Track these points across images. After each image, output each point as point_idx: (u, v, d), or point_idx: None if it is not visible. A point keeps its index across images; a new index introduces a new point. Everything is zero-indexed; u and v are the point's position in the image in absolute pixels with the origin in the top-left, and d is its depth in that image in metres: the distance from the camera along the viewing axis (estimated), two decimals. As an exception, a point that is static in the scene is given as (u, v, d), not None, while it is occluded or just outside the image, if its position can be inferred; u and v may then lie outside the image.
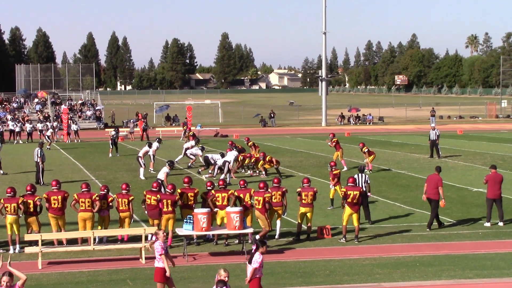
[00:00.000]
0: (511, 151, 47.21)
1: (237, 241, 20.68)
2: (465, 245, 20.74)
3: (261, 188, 20.92)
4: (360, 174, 23.94)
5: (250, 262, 13.71)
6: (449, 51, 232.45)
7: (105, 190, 21.22)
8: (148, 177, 34.38)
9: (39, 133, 60.97)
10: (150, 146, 36.92)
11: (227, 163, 33.43)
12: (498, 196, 23.58)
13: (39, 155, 33.57)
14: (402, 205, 27.22)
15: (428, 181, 23.22)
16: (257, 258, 13.62)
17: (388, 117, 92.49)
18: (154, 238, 15.31)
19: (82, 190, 20.75)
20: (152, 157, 37.03)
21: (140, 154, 35.92)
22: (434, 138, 42.86)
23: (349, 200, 21.11)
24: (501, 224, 23.41)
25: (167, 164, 28.64)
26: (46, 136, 55.17)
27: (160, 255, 14.43)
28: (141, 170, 35.27)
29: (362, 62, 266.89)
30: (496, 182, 23.64)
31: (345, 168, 36.79)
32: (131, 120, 70.46)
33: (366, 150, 36.73)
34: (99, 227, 20.84)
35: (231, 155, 34.45)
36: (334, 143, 37.73)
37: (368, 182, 23.97)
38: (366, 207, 23.99)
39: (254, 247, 13.89)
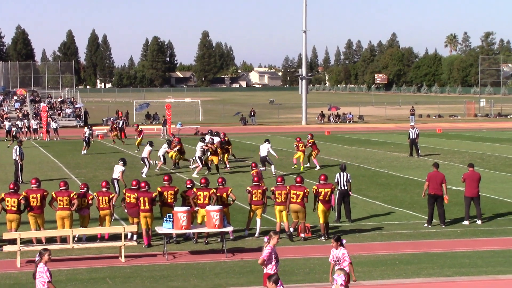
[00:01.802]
0: (489, 150, 47.53)
1: (219, 240, 20.64)
2: (443, 243, 20.86)
3: (298, 182, 21.18)
4: (341, 173, 24.02)
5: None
6: (428, 50, 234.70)
7: (84, 189, 21.15)
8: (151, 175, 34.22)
9: (16, 131, 60.52)
10: (152, 145, 36.68)
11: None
12: (476, 194, 23.73)
13: (18, 153, 33.39)
14: (382, 204, 27.33)
15: (430, 178, 23.30)
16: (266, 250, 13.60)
17: (368, 116, 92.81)
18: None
19: (60, 188, 20.64)
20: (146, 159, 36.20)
21: (145, 154, 35.78)
22: (413, 137, 43.05)
23: (320, 197, 21.17)
24: (479, 222, 23.56)
25: (120, 162, 27.91)
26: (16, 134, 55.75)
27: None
28: (145, 169, 35.34)
29: (342, 61, 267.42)
30: (474, 180, 23.80)
31: (318, 167, 36.97)
32: (111, 118, 70.16)
33: (310, 144, 37.04)
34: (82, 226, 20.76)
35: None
36: (310, 144, 37.66)
37: (350, 181, 24.05)
38: (347, 205, 24.08)
39: (266, 239, 13.84)
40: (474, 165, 25.13)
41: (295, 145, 38.41)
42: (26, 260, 18.59)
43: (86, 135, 47.47)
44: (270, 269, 13.62)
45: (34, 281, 12.55)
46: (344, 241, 14.30)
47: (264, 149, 35.68)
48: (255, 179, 21.83)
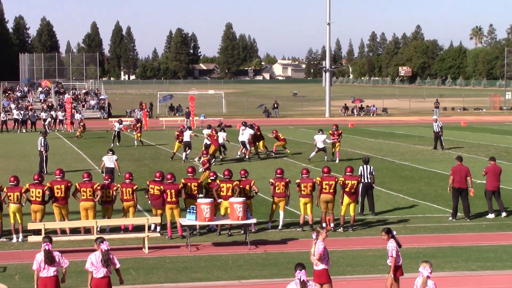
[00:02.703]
0: (515, 143, 47.11)
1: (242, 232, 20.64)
2: (468, 237, 20.73)
3: (327, 172, 21.31)
4: (364, 166, 23.92)
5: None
6: (453, 42, 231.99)
7: (109, 180, 21.23)
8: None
9: (42, 122, 61.07)
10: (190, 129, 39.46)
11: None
12: (497, 188, 23.52)
13: (42, 144, 33.54)
14: (406, 197, 27.20)
15: (455, 172, 23.17)
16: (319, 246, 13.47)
17: (392, 109, 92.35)
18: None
19: (84, 179, 20.74)
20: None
21: (245, 138, 37.97)
22: (437, 130, 42.78)
23: (347, 189, 21.09)
24: (504, 214, 23.37)
25: (109, 152, 28.47)
26: (45, 125, 55.66)
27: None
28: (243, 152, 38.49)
29: (366, 53, 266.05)
30: (496, 174, 23.58)
31: (337, 161, 36.93)
32: (135, 110, 70.41)
33: (338, 135, 37.66)
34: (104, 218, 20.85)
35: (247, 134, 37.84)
36: (338, 135, 37.53)
37: (373, 173, 23.97)
38: (370, 198, 23.99)
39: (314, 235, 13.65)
40: (496, 159, 24.89)
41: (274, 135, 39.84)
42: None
43: (116, 129, 46.58)
44: (325, 264, 13.50)
45: (105, 268, 12.84)
46: (394, 233, 14.14)
47: (320, 140, 36.60)
48: (278, 171, 21.72)
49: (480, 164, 35.26)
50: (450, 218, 23.03)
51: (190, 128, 39.89)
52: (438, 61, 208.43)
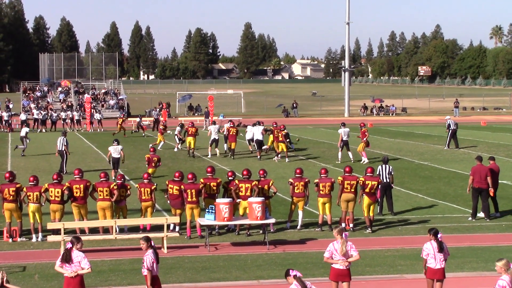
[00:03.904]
0: (535, 143, 46.80)
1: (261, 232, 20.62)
2: (488, 237, 20.62)
3: (348, 172, 21.37)
4: (384, 165, 23.85)
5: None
6: (473, 42, 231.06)
7: (121, 179, 21.25)
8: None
9: (62, 122, 61.49)
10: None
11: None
12: (485, 186, 23.14)
13: (64, 143, 33.69)
14: (425, 197, 27.09)
15: (475, 172, 23.05)
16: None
17: (411, 108, 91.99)
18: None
19: (101, 179, 20.81)
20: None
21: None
22: (454, 127, 43.07)
23: (367, 190, 21.03)
24: (482, 215, 23.08)
25: (114, 142, 31.69)
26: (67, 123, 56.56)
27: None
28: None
29: (385, 53, 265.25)
30: (482, 174, 23.21)
31: (352, 160, 36.54)
32: (157, 109, 70.49)
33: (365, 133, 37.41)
34: (117, 217, 20.88)
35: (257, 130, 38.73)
36: (365, 133, 37.20)
37: (392, 173, 23.88)
38: (389, 198, 23.91)
39: None
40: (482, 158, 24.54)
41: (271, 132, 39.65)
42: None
43: (176, 132, 44.21)
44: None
45: (66, 264, 12.71)
46: (439, 235, 14.02)
47: (345, 133, 37.00)
48: (297, 171, 21.67)
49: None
50: (470, 218, 22.91)
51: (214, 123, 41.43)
52: (457, 61, 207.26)
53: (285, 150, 37.69)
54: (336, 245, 13.57)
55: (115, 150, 31.12)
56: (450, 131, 43.44)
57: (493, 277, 16.47)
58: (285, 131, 38.09)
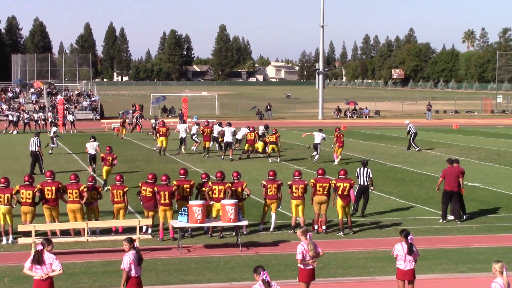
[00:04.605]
0: (506, 146, 47.29)
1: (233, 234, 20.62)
2: (458, 239, 20.78)
3: (321, 174, 21.43)
4: (362, 168, 23.96)
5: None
6: (446, 45, 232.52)
7: (92, 181, 21.12)
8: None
9: (34, 123, 61.09)
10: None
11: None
12: (456, 189, 23.33)
13: (38, 144, 33.51)
14: (397, 199, 27.25)
15: (446, 174, 23.24)
16: None
17: (385, 111, 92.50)
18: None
19: (71, 181, 20.65)
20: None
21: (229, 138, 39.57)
22: (415, 131, 44.52)
23: (339, 192, 21.10)
24: (451, 218, 23.26)
25: (91, 139, 32.39)
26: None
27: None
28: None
29: (359, 56, 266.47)
30: (453, 176, 23.37)
31: (336, 162, 37.37)
32: (129, 111, 70.33)
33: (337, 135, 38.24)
34: (88, 219, 20.75)
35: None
36: (337, 135, 37.99)
37: (371, 176, 23.98)
38: (366, 200, 24.03)
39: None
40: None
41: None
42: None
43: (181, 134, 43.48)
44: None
45: (37, 266, 12.63)
46: (410, 237, 14.10)
47: (318, 137, 37.72)
48: (270, 173, 21.69)
49: (471, 167, 35.38)
50: (441, 220, 23.08)
51: (230, 125, 41.22)
52: (430, 64, 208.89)
53: (277, 150, 38.53)
54: (305, 245, 13.68)
55: (91, 147, 32.08)
56: (413, 134, 44.18)
57: (464, 279, 16.67)
58: (278, 133, 39.36)
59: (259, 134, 42.20)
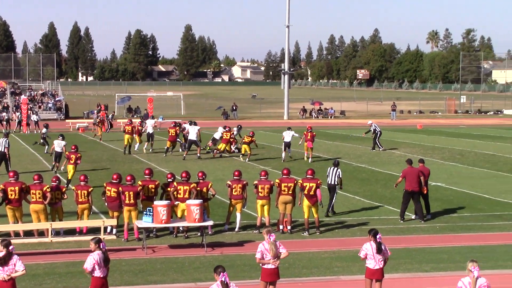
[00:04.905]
0: (469, 146, 47.80)
1: (199, 234, 20.57)
2: (422, 239, 20.96)
3: (286, 174, 21.47)
4: (333, 168, 24.07)
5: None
6: (410, 46, 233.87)
7: (56, 181, 20.95)
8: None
9: (4, 123, 60.69)
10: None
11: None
12: (417, 189, 23.57)
13: (6, 145, 33.12)
14: (362, 199, 27.40)
15: (406, 174, 23.42)
16: None
17: (350, 111, 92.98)
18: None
19: (34, 181, 20.45)
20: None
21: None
22: (379, 130, 45.47)
23: (305, 192, 21.17)
24: (413, 217, 23.56)
25: (59, 137, 33.15)
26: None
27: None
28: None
29: (324, 56, 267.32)
30: (414, 176, 23.60)
31: (310, 161, 38.15)
32: (94, 111, 69.88)
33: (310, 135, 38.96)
34: (53, 219, 20.58)
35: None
36: (309, 134, 38.65)
37: (340, 176, 24.06)
38: (330, 200, 24.11)
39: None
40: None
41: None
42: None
43: (149, 130, 43.32)
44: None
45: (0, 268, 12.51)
46: (379, 236, 14.05)
47: (288, 136, 38.66)
48: (236, 173, 21.71)
49: (435, 167, 35.68)
50: (400, 221, 23.21)
51: (195, 123, 40.85)
52: (395, 65, 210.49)
53: (248, 151, 39.02)
54: (266, 245, 13.72)
55: (58, 145, 32.90)
56: (379, 133, 44.84)
57: (428, 278, 16.82)
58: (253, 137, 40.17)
59: (234, 134, 43.13)
